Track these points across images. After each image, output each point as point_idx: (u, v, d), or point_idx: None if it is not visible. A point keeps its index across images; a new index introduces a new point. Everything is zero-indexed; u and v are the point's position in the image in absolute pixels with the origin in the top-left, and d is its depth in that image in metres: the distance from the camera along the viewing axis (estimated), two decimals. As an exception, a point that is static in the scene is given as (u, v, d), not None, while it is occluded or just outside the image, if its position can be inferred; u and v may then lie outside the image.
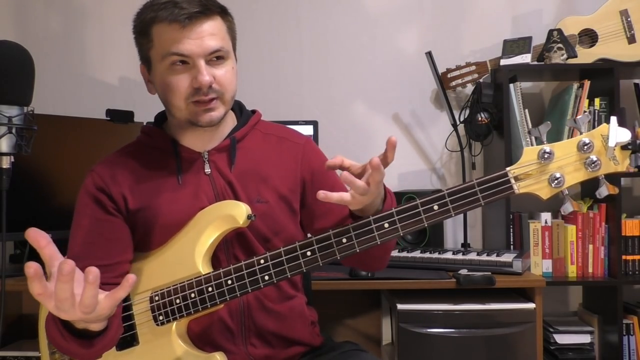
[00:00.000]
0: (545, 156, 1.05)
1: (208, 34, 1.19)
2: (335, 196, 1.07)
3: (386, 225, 1.11)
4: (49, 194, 2.04)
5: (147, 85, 1.32)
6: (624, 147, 1.03)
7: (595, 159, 1.03)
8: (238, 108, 1.39)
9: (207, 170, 1.30)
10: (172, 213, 1.25)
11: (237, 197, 1.29)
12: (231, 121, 1.36)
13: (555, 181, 1.05)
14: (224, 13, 1.25)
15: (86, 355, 1.13)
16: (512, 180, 1.07)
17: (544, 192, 1.06)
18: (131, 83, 2.53)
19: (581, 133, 1.06)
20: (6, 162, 1.43)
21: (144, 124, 2.23)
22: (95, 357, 1.14)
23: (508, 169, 1.07)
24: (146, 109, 2.32)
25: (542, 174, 1.06)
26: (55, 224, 2.02)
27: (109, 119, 2.17)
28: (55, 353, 1.33)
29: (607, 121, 1.05)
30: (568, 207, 1.07)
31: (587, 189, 2.24)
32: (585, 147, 1.03)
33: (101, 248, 1.25)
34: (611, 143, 1.01)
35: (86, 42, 2.55)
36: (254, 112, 1.41)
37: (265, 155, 1.35)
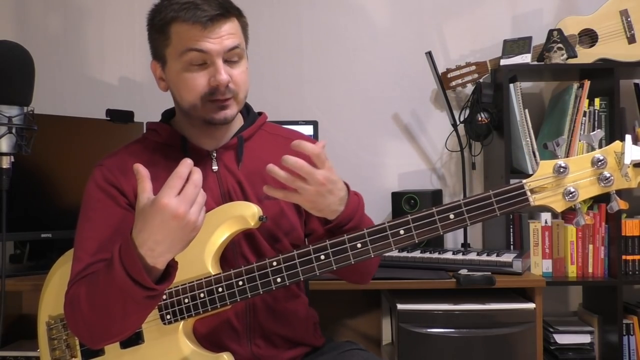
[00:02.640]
0: (561, 170, 1.09)
1: (227, 33, 1.23)
2: (279, 193, 1.13)
3: (402, 232, 1.13)
4: (49, 194, 2.04)
5: (158, 83, 1.33)
6: (636, 165, 1.07)
7: (608, 175, 1.07)
8: (245, 109, 1.41)
9: (215, 167, 1.32)
10: None
11: (245, 194, 1.30)
12: (238, 121, 1.38)
13: (570, 195, 1.09)
14: (240, 15, 1.30)
15: (147, 299, 1.10)
16: (528, 193, 1.10)
17: (559, 205, 1.10)
18: (131, 83, 2.53)
19: (594, 149, 1.09)
20: (6, 162, 1.44)
21: (145, 123, 2.22)
22: (153, 301, 1.12)
23: (524, 181, 1.11)
24: (146, 109, 2.33)
25: (557, 187, 1.10)
26: (55, 224, 2.03)
27: (109, 119, 2.17)
28: (56, 350, 1.33)
29: (619, 135, 1.10)
30: (580, 221, 1.12)
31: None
32: (599, 163, 1.08)
33: (113, 242, 1.22)
34: (626, 161, 1.05)
35: (86, 42, 2.55)
36: (260, 113, 1.44)
37: (272, 154, 1.35)
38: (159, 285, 1.09)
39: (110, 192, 1.27)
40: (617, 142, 1.08)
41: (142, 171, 1.08)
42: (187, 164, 1.08)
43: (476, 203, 1.11)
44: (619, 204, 1.09)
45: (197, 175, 1.08)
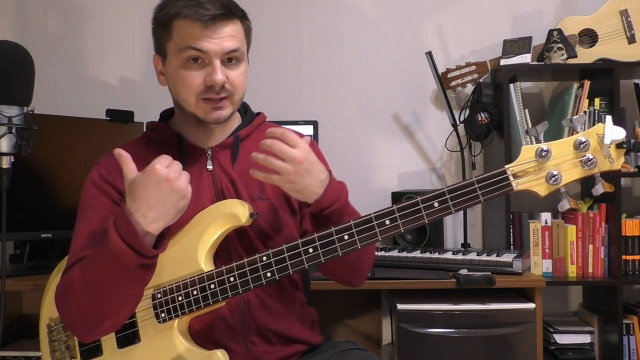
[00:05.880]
0: (543, 154, 1.08)
1: (227, 35, 1.24)
2: (260, 174, 1.18)
3: (387, 222, 1.13)
4: (49, 194, 2.04)
5: (158, 77, 1.34)
6: (619, 146, 1.06)
7: (591, 157, 1.06)
8: (243, 109, 1.42)
9: (209, 166, 1.33)
10: None
11: (238, 194, 1.31)
12: (236, 120, 1.39)
13: (553, 178, 1.08)
14: (244, 17, 1.30)
15: (142, 267, 1.13)
16: (511, 178, 1.10)
17: (542, 189, 1.09)
18: (131, 83, 2.53)
19: (577, 132, 1.09)
20: (6, 162, 1.44)
21: (144, 123, 2.23)
22: (145, 272, 1.15)
23: (507, 166, 1.11)
24: (146, 109, 2.33)
25: (539, 171, 1.09)
26: (55, 224, 2.03)
27: (109, 119, 2.17)
28: (56, 351, 1.33)
29: (604, 121, 1.08)
30: (565, 204, 1.11)
31: (588, 188, 2.24)
32: (582, 145, 1.06)
33: None
34: (607, 141, 1.04)
35: (86, 42, 2.55)
36: (258, 114, 1.45)
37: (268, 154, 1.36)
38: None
39: (105, 189, 1.29)
40: (599, 124, 1.07)
41: (123, 154, 1.16)
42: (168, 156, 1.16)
43: (460, 190, 1.10)
44: (603, 187, 1.08)
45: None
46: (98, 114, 2.19)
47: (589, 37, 2.35)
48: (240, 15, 1.28)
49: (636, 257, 2.25)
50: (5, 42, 1.45)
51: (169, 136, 1.35)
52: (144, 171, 1.13)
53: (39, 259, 2.08)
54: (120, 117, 2.19)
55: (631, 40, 2.31)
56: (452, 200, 1.11)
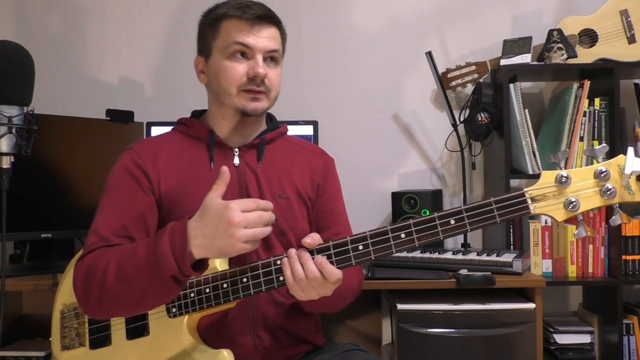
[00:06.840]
0: (563, 180, 1.09)
1: (269, 36, 1.37)
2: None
3: (403, 235, 1.15)
4: (49, 194, 2.04)
5: (198, 76, 1.45)
6: (639, 178, 1.07)
7: (610, 187, 1.07)
8: (269, 118, 1.52)
9: (236, 162, 1.40)
10: (198, 201, 1.25)
11: (261, 191, 1.38)
12: (263, 125, 1.49)
13: (571, 205, 1.09)
14: (282, 26, 1.43)
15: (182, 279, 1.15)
16: (529, 201, 1.11)
17: (559, 214, 1.11)
18: (131, 83, 2.53)
19: (598, 162, 1.10)
20: (6, 162, 1.44)
21: (144, 124, 2.23)
22: (176, 285, 1.15)
23: (525, 189, 1.12)
24: (146, 109, 2.34)
25: (558, 197, 1.10)
26: (55, 224, 2.03)
27: (109, 119, 2.17)
28: (66, 337, 1.35)
29: (624, 150, 1.08)
30: (581, 232, 1.11)
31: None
32: (602, 175, 1.08)
33: (131, 223, 1.29)
34: (627, 171, 1.05)
35: (86, 42, 2.55)
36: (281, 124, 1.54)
37: (290, 158, 1.47)
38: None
39: (136, 175, 1.34)
40: (621, 155, 1.08)
41: (226, 175, 1.14)
42: (269, 204, 1.14)
43: (477, 209, 1.13)
44: (621, 218, 1.09)
45: (269, 215, 1.13)
46: (98, 114, 2.19)
47: (589, 37, 2.35)
48: (279, 22, 1.41)
49: (636, 257, 2.25)
50: (5, 42, 1.45)
51: (200, 131, 1.42)
52: (220, 202, 1.11)
53: (39, 259, 2.08)
54: (120, 117, 2.19)
55: (631, 40, 2.31)
56: (469, 219, 1.13)
